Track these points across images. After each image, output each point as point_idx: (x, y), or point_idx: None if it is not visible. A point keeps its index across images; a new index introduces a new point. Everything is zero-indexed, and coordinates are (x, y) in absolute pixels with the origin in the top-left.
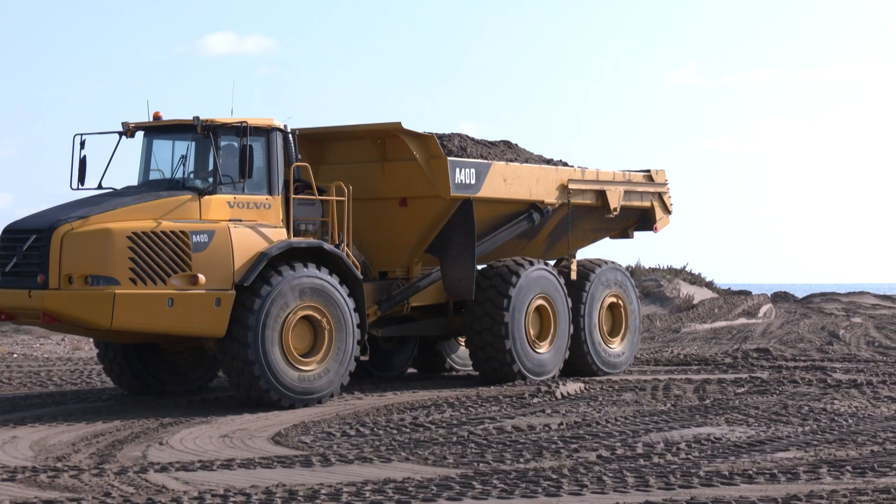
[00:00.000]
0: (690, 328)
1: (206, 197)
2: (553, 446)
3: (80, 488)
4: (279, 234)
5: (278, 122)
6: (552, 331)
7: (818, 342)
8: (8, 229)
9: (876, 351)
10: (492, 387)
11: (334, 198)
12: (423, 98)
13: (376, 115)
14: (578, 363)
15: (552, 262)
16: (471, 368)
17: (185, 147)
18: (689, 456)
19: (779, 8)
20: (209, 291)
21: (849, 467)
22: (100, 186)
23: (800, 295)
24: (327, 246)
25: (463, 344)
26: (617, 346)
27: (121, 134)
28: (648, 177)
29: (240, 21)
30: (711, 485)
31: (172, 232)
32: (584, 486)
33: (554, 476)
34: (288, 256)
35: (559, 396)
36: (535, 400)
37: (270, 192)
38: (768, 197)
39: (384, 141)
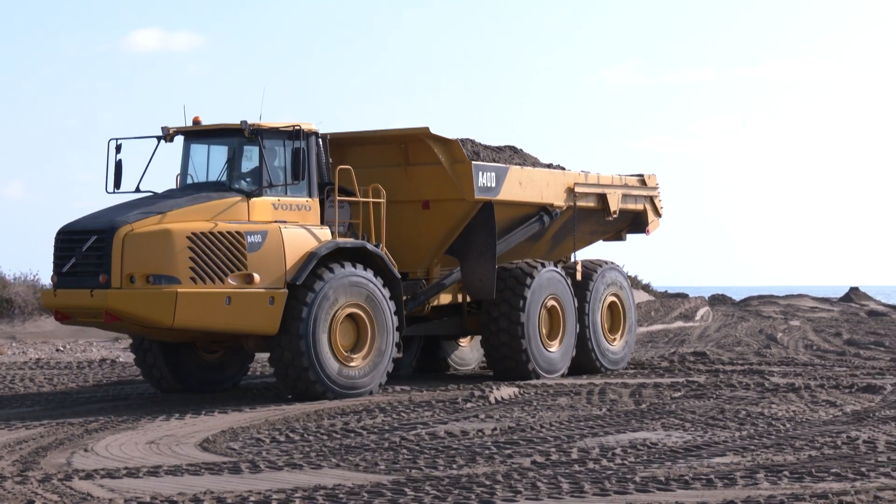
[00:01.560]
0: None
1: (254, 199)
2: (487, 452)
3: (3, 496)
4: (325, 235)
5: (315, 127)
6: (562, 330)
7: (756, 345)
8: (64, 231)
9: (814, 354)
10: (424, 392)
11: (371, 199)
12: (352, 96)
13: (303, 115)
14: (583, 361)
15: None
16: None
17: (226, 150)
18: (625, 461)
19: (715, 7)
20: (264, 290)
21: (786, 472)
22: (137, 189)
23: (737, 298)
24: (370, 247)
25: (462, 344)
26: (617, 344)
27: (159, 138)
28: (642, 181)
29: (167, 17)
30: (647, 490)
31: (228, 232)
32: (518, 492)
33: (487, 482)
34: (334, 256)
35: (493, 401)
36: (469, 405)
37: (310, 195)
38: (705, 199)
39: (407, 145)
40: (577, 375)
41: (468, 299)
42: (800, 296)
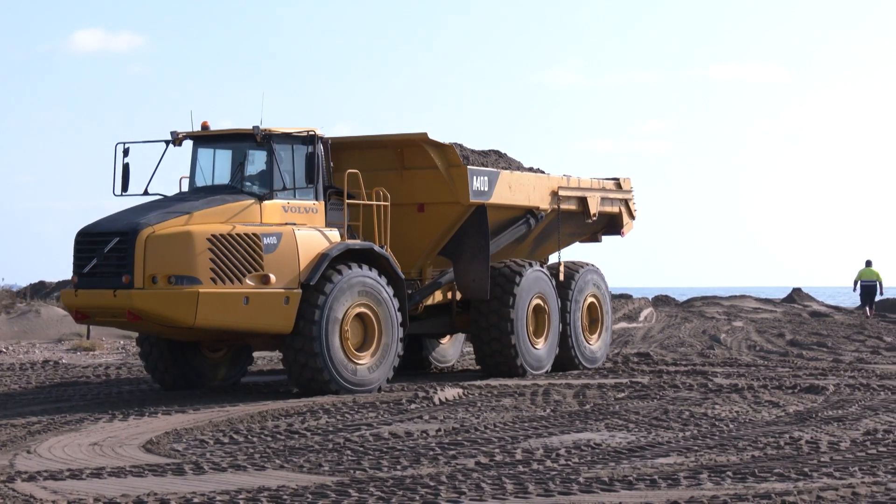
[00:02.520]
0: None
1: (265, 202)
2: (431, 453)
3: None
4: (335, 237)
5: (321, 132)
6: (547, 328)
7: (699, 346)
8: (85, 233)
9: (757, 355)
10: (369, 393)
11: (374, 202)
12: (290, 96)
13: (248, 116)
14: (564, 358)
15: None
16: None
17: (236, 155)
18: (569, 462)
19: (659, 7)
20: (279, 290)
21: (729, 473)
22: (146, 192)
23: (681, 299)
24: (377, 248)
25: (442, 342)
26: (595, 343)
27: (168, 142)
28: (617, 184)
29: (109, 18)
30: (591, 491)
31: (246, 234)
32: (463, 493)
33: (431, 483)
34: (342, 257)
35: (437, 402)
36: (413, 406)
37: (317, 198)
38: (647, 200)
39: (403, 150)
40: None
41: (458, 298)
42: (743, 297)
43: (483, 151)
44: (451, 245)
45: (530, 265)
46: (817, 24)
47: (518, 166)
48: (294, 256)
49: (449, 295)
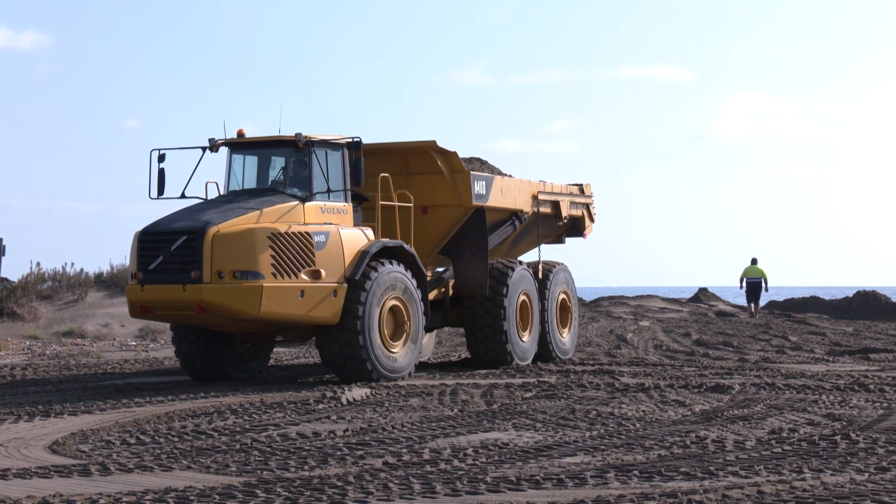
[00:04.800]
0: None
1: (307, 203)
2: (338, 453)
3: None
4: (371, 236)
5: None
6: (530, 322)
7: (606, 346)
8: (149, 232)
9: (663, 354)
10: (276, 393)
11: (397, 203)
12: (203, 96)
13: (164, 117)
14: (542, 351)
15: None
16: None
17: (275, 160)
18: (477, 462)
19: (567, 8)
20: (330, 284)
21: (636, 472)
22: (183, 195)
23: (588, 298)
24: (407, 246)
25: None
26: (566, 337)
27: (205, 149)
28: (581, 189)
29: (14, 15)
30: (499, 490)
31: (300, 233)
32: (370, 493)
33: (339, 483)
34: (378, 255)
35: (345, 402)
36: (321, 406)
37: (346, 200)
38: None
39: (408, 156)
40: (424, 375)
41: (450, 294)
42: (650, 296)
43: (467, 159)
44: (451, 245)
45: (519, 264)
46: (723, 27)
47: (498, 172)
48: (340, 253)
49: (442, 291)
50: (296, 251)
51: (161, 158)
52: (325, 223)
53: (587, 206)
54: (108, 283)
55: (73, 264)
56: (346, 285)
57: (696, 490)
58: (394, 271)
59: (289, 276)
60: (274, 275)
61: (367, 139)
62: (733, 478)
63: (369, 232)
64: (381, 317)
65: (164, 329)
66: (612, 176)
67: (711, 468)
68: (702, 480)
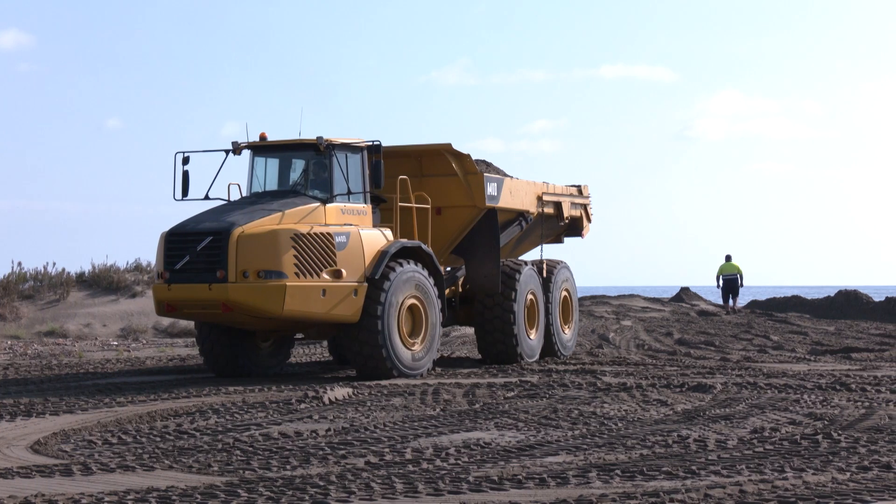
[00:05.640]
0: (460, 332)
1: (328, 205)
2: (320, 453)
3: None
4: (390, 236)
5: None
6: (537, 320)
7: (588, 345)
8: (175, 233)
9: (645, 354)
10: (258, 392)
11: (415, 205)
12: (184, 97)
13: (145, 117)
14: (546, 347)
15: None
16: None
17: (297, 162)
18: (459, 461)
19: (549, 7)
20: (350, 283)
21: (618, 471)
22: (207, 197)
23: None
24: (425, 247)
25: None
26: (568, 333)
27: (227, 151)
28: (579, 190)
29: None
30: (481, 490)
31: (321, 233)
32: (352, 492)
33: (321, 483)
34: (397, 255)
35: (327, 402)
36: (303, 406)
37: (365, 201)
38: None
39: (422, 158)
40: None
41: (460, 293)
42: (631, 296)
43: (475, 161)
44: (464, 245)
45: (526, 264)
46: (704, 27)
47: (503, 174)
48: (360, 253)
49: (452, 290)
50: (318, 251)
51: (185, 161)
52: (345, 224)
53: (585, 206)
54: (90, 282)
55: (54, 264)
56: (366, 284)
57: (678, 489)
58: (412, 271)
59: (311, 275)
60: (297, 274)
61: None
62: (715, 477)
63: (388, 233)
64: (400, 315)
65: (146, 329)
66: (593, 176)
67: (693, 467)
68: (684, 480)
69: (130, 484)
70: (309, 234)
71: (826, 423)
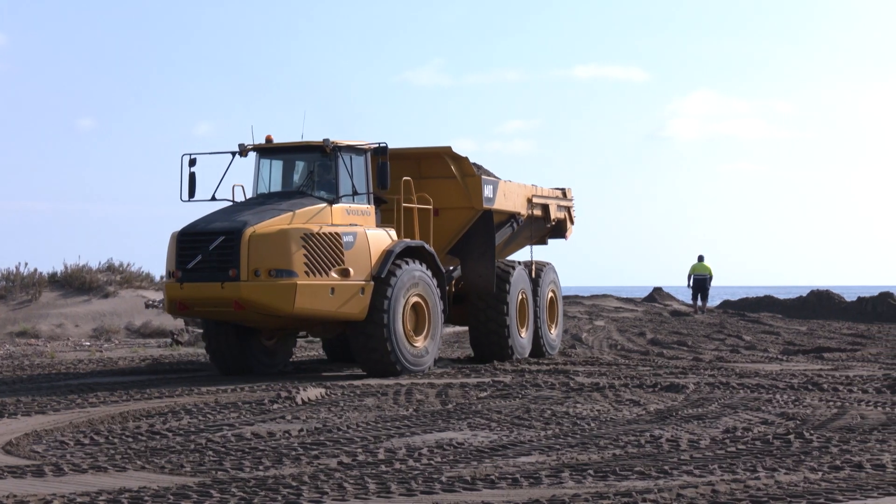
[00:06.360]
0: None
1: (334, 206)
2: (293, 453)
3: None
4: (394, 236)
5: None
6: (528, 319)
7: (561, 345)
8: (187, 233)
9: (618, 354)
10: (230, 393)
11: (417, 206)
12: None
13: (118, 117)
14: (535, 345)
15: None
16: None
17: (304, 164)
18: (432, 461)
19: (523, 8)
20: (358, 282)
21: (591, 471)
22: (213, 198)
23: None
24: (428, 246)
25: None
26: (554, 332)
27: (234, 153)
28: (564, 193)
29: None
30: (454, 490)
31: (330, 233)
32: (325, 493)
33: (294, 483)
34: (401, 254)
35: (300, 402)
36: (276, 406)
37: (369, 202)
38: None
39: (420, 161)
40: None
41: (453, 292)
42: (605, 296)
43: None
44: (460, 245)
45: (517, 264)
46: (676, 27)
47: (495, 176)
48: (367, 253)
49: (447, 289)
50: (327, 251)
51: (192, 163)
52: (351, 224)
53: (568, 209)
54: (62, 282)
55: (26, 264)
56: (372, 283)
57: (650, 489)
58: (416, 270)
59: (320, 274)
60: (307, 273)
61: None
62: (688, 477)
63: (392, 232)
64: (405, 313)
65: (119, 329)
66: (566, 176)
67: (666, 467)
68: (656, 480)
69: (102, 485)
70: (318, 233)
71: (798, 422)
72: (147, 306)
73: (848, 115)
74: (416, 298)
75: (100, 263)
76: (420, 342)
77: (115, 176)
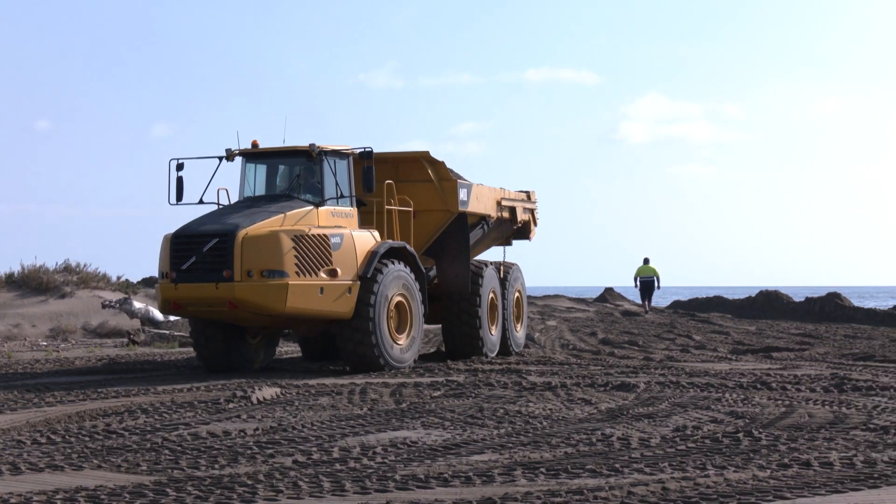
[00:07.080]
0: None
1: (320, 208)
2: (249, 452)
3: None
4: (378, 237)
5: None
6: (498, 317)
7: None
8: (182, 235)
9: (570, 353)
10: (186, 392)
11: (398, 208)
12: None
13: (75, 118)
14: (502, 344)
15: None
16: None
17: (290, 168)
18: (386, 460)
19: (476, 11)
20: (345, 282)
21: (543, 469)
22: (201, 202)
23: None
24: (409, 247)
25: None
26: (520, 331)
27: (221, 158)
28: (528, 196)
29: None
30: (407, 488)
31: (318, 235)
32: (280, 491)
33: (249, 482)
34: (384, 255)
35: (255, 401)
36: (231, 405)
37: (352, 204)
38: None
39: (398, 165)
40: (333, 375)
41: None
42: (557, 296)
43: None
44: (435, 247)
45: (488, 264)
46: (627, 31)
47: (467, 180)
48: (353, 253)
49: None
50: (316, 252)
51: (179, 167)
52: (336, 226)
53: (532, 211)
54: (19, 283)
55: None
56: (359, 282)
57: (601, 487)
58: (399, 270)
59: (310, 274)
60: (297, 273)
61: (277, 142)
62: (638, 475)
63: (376, 234)
64: (389, 311)
65: (76, 329)
66: (519, 178)
67: (617, 465)
68: (607, 478)
69: (59, 483)
70: (308, 235)
71: (747, 421)
72: (104, 306)
73: (796, 117)
74: (399, 297)
75: (57, 264)
76: (403, 340)
77: (72, 177)
